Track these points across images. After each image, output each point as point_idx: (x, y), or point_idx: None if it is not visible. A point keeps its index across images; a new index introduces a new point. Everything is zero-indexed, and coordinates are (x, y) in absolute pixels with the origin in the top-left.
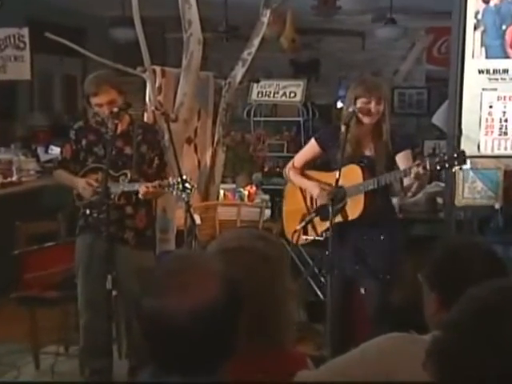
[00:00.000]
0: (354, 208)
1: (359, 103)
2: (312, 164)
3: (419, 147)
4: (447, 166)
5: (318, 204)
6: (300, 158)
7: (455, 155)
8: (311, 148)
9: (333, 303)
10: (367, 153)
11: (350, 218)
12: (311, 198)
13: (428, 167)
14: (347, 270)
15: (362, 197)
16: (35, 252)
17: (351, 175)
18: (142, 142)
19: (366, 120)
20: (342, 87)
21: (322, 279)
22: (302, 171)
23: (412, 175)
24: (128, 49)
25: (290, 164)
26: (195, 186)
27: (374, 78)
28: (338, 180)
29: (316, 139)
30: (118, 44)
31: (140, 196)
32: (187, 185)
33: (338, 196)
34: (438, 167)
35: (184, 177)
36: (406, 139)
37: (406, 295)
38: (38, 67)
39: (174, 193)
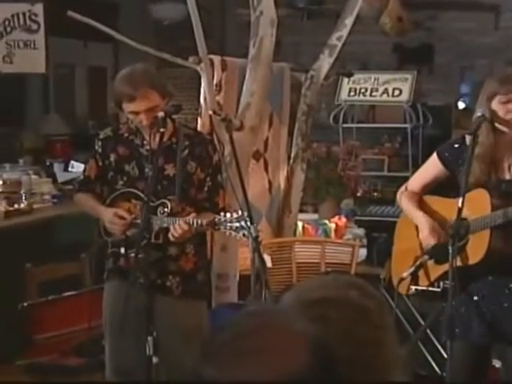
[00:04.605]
0: (476, 248)
1: (495, 104)
2: (435, 187)
3: None
4: None
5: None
6: (417, 178)
7: None
8: (432, 166)
9: (455, 379)
10: (507, 176)
11: (470, 261)
12: None
13: None
14: (474, 334)
15: (487, 234)
16: (50, 304)
17: (477, 203)
18: (189, 157)
19: (506, 128)
20: (466, 82)
21: (439, 346)
22: (420, 197)
23: None
24: (174, 32)
25: (403, 187)
26: (252, 227)
27: None
28: (460, 210)
29: (438, 154)
30: (160, 25)
31: (171, 239)
32: (243, 223)
33: (458, 233)
34: None
35: (239, 212)
36: None
37: None
38: (55, 56)
39: (228, 233)
